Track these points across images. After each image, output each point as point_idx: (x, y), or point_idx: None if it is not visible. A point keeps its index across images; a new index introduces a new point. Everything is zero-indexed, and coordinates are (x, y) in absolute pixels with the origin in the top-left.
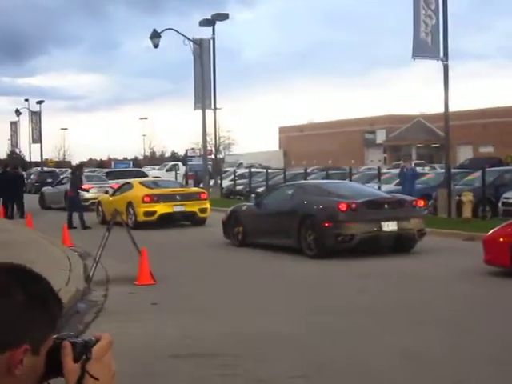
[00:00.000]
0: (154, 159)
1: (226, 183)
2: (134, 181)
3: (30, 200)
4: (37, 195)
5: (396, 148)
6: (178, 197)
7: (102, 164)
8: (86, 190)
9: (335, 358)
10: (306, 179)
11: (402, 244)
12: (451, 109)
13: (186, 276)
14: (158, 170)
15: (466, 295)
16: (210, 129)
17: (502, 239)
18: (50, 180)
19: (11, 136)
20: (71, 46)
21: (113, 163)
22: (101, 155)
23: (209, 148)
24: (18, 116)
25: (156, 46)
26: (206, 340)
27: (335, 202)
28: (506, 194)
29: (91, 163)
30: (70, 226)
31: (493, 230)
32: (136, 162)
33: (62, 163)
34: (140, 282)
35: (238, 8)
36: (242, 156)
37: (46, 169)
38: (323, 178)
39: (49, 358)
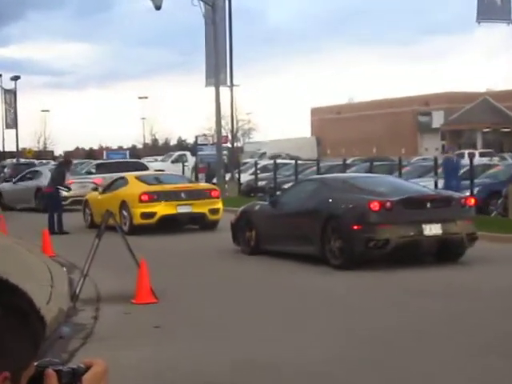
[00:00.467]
0: (156, 148)
1: (245, 178)
2: (130, 175)
3: None
4: None
5: (457, 133)
6: (183, 195)
7: (91, 154)
8: (69, 188)
9: None
10: (344, 172)
11: (447, 251)
12: None
13: (192, 293)
14: (162, 161)
15: None
16: (225, 111)
17: None
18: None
19: None
20: (53, 9)
21: (105, 153)
22: (90, 143)
23: (224, 134)
24: None
25: (158, 7)
26: (218, 370)
27: (366, 199)
28: None
29: (78, 153)
30: (53, 230)
31: None
32: (134, 151)
33: (43, 153)
34: (138, 301)
35: None
36: (266, 144)
37: (22, 160)
38: (366, 171)
39: None
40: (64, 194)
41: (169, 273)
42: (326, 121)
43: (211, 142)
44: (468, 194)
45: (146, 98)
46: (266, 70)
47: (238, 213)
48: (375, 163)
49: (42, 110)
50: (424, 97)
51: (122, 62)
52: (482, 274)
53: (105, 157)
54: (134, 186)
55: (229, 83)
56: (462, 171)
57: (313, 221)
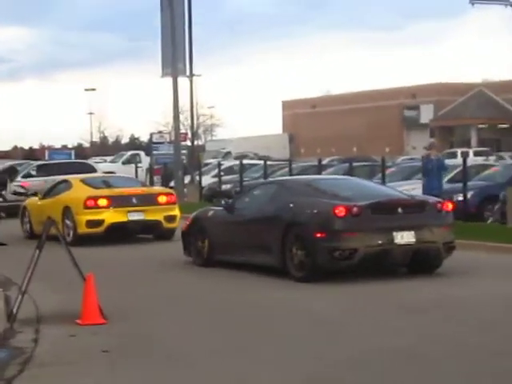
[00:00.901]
0: (105, 147)
1: (207, 180)
2: (74, 178)
3: None
4: None
5: (448, 130)
6: (135, 200)
7: (31, 154)
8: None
9: None
10: (320, 174)
11: (422, 262)
12: None
13: (145, 311)
14: (111, 162)
15: None
16: (184, 104)
17: None
18: None
19: None
20: None
21: (47, 153)
22: (30, 142)
23: (183, 131)
24: None
25: None
26: None
27: (330, 204)
28: None
29: (17, 153)
30: None
31: None
32: (80, 151)
33: None
34: (85, 321)
35: None
36: (231, 142)
37: None
38: (345, 173)
39: None
40: None
41: (118, 289)
42: (300, 116)
43: (168, 140)
44: (461, 198)
45: (94, 90)
46: (230, 59)
47: (190, 219)
48: (355, 164)
49: None
50: (411, 88)
51: (66, 48)
52: (485, 291)
53: (47, 157)
54: (78, 190)
55: (188, 73)
56: (454, 172)
57: (272, 228)
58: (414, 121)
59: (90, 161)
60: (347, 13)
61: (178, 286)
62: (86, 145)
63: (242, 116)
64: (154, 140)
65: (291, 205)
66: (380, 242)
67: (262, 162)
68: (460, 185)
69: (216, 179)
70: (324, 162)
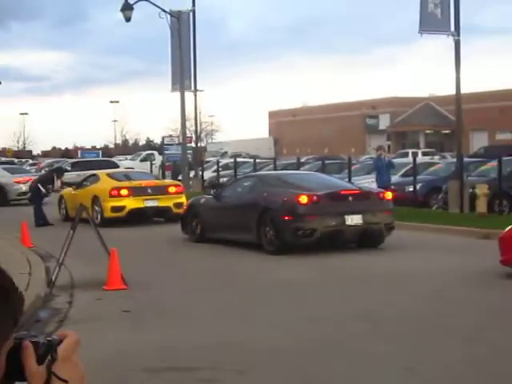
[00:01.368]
0: (126, 148)
1: (208, 175)
2: (101, 172)
3: None
4: None
5: (401, 135)
6: (149, 190)
7: (67, 153)
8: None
9: (323, 372)
10: (298, 169)
11: (368, 239)
12: (464, 90)
13: (160, 279)
14: (131, 160)
15: (477, 300)
16: (189, 113)
17: None
18: None
19: None
20: (32, 19)
21: (79, 152)
22: (66, 144)
23: (188, 135)
24: None
25: (128, 19)
26: (182, 351)
27: (295, 194)
28: None
29: (55, 153)
30: (38, 223)
31: (510, 227)
32: (106, 151)
33: (22, 153)
34: (109, 287)
35: None
36: (227, 144)
37: (3, 159)
38: (318, 169)
39: (8, 359)
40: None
41: (138, 262)
42: (283, 123)
43: (177, 142)
44: (411, 189)
45: (117, 102)
46: (227, 77)
47: (186, 205)
48: (327, 162)
49: (21, 113)
50: (372, 101)
51: (96, 69)
52: (432, 262)
53: (79, 156)
54: (105, 183)
55: (193, 88)
56: (405, 169)
57: (250, 212)
58: (374, 127)
59: (114, 159)
60: (323, 39)
61: (182, 259)
62: (111, 146)
63: (236, 123)
64: (165, 142)
65: (265, 194)
66: (334, 223)
67: (252, 160)
68: (411, 178)
69: (215, 174)
70: (302, 160)
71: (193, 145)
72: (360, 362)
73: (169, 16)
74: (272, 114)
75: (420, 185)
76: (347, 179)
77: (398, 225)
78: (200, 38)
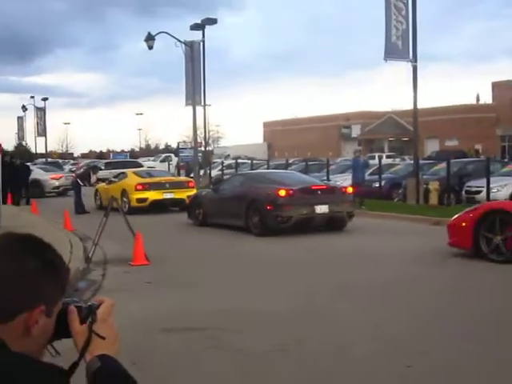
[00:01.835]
0: (149, 151)
1: (214, 173)
2: (129, 171)
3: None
4: None
5: (370, 141)
6: (167, 185)
7: (101, 155)
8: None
9: (314, 334)
10: (287, 169)
11: (333, 224)
12: (419, 106)
13: (176, 257)
14: (153, 160)
15: (429, 274)
16: (200, 123)
17: (464, 224)
18: None
19: (18, 130)
20: (74, 47)
21: (111, 155)
22: (100, 147)
23: (199, 141)
24: (24, 111)
25: (150, 47)
26: (194, 315)
27: (276, 188)
28: (469, 183)
29: (91, 155)
30: (77, 211)
31: (456, 216)
32: (132, 153)
33: (65, 155)
34: (135, 263)
35: (227, 13)
36: (230, 148)
37: (50, 160)
38: (303, 168)
39: (57, 320)
40: (56, 183)
41: (158, 242)
42: (275, 131)
43: (190, 147)
44: (377, 185)
45: (141, 114)
46: (230, 94)
47: (191, 197)
48: (310, 163)
49: (65, 123)
50: (346, 114)
51: (124, 87)
52: (392, 243)
53: (111, 157)
54: (131, 179)
55: (203, 103)
56: (372, 169)
57: (241, 203)
58: (347, 135)
59: (139, 160)
60: (307, 65)
61: (190, 239)
62: (137, 149)
63: (237, 131)
64: (180, 146)
65: (252, 188)
66: (306, 212)
67: (249, 161)
68: (377, 176)
69: (220, 172)
70: (289, 161)
71: (202, 148)
72: (333, 321)
73: (183, 45)
74: (266, 124)
75: (384, 181)
76: (325, 177)
77: (366, 213)
78: (208, 62)
